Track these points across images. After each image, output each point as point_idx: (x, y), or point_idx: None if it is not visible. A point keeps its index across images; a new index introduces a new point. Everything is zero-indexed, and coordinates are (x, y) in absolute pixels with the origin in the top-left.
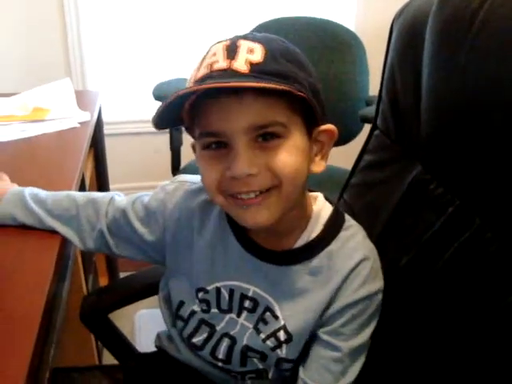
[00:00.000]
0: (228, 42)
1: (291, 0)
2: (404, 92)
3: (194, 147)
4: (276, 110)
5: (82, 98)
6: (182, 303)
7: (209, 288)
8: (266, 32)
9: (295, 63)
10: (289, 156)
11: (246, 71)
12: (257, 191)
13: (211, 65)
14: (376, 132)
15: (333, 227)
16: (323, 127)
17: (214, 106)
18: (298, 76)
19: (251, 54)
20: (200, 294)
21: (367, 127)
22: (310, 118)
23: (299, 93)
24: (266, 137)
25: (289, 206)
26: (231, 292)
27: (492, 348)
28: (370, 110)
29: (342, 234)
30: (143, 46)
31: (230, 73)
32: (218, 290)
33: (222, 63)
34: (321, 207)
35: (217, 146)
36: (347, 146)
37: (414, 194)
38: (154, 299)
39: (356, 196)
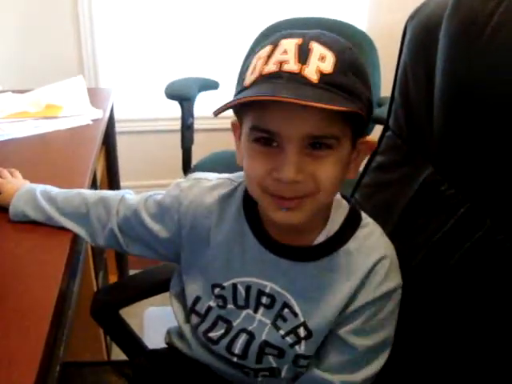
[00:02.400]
0: (300, 41)
1: (302, 0)
2: (416, 93)
3: (234, 126)
4: (334, 123)
5: (95, 96)
6: (198, 299)
7: (225, 284)
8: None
9: (360, 77)
10: (333, 168)
11: (316, 81)
12: (297, 196)
13: (281, 63)
14: (388, 133)
15: (350, 225)
16: (367, 139)
17: (277, 105)
18: (360, 92)
19: (322, 61)
20: (216, 290)
21: (378, 128)
22: (358, 129)
23: (361, 112)
24: (317, 146)
25: (320, 210)
26: (248, 288)
27: (503, 347)
28: (381, 111)
29: (360, 232)
30: (156, 45)
31: (300, 79)
32: (234, 286)
33: (292, 66)
34: (338, 205)
35: (266, 141)
36: None
37: (425, 195)
38: (163, 297)
39: (367, 196)
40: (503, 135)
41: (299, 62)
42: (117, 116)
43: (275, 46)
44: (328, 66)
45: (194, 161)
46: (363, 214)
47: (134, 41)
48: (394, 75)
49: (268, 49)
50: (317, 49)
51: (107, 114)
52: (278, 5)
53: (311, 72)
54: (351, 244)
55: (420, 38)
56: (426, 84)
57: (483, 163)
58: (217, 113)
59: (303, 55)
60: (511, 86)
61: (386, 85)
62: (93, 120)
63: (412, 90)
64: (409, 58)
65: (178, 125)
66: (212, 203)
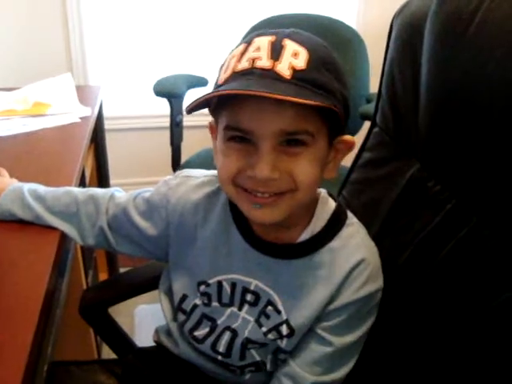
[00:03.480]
0: (273, 39)
1: None
2: (403, 90)
3: (211, 127)
4: (308, 119)
5: (84, 93)
6: (185, 296)
7: (210, 281)
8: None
9: (334, 73)
10: (309, 165)
11: (289, 77)
12: (272, 192)
13: (254, 60)
14: (375, 129)
15: (335, 223)
16: (345, 138)
17: (249, 103)
18: (335, 88)
19: (295, 57)
20: (201, 288)
21: (367, 124)
22: (334, 126)
23: (335, 108)
24: (292, 142)
25: (298, 208)
26: (233, 285)
27: (488, 344)
28: (370, 107)
29: (345, 231)
30: (144, 42)
31: (272, 74)
32: (219, 283)
33: (265, 62)
34: (324, 203)
35: (241, 139)
36: None
37: (411, 192)
38: (153, 294)
39: (354, 193)
40: (488, 132)
41: (272, 58)
42: (106, 113)
43: (248, 44)
44: (301, 61)
45: (184, 158)
46: (349, 214)
47: (123, 38)
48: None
49: (241, 47)
50: (290, 45)
51: (96, 112)
52: (267, 1)
53: (284, 68)
54: (335, 242)
55: (406, 34)
56: (412, 81)
57: (469, 159)
58: (188, 109)
59: (276, 52)
60: (496, 82)
61: (375, 81)
62: (81, 118)
63: (398, 86)
64: (395, 55)
65: (167, 122)
66: (199, 201)
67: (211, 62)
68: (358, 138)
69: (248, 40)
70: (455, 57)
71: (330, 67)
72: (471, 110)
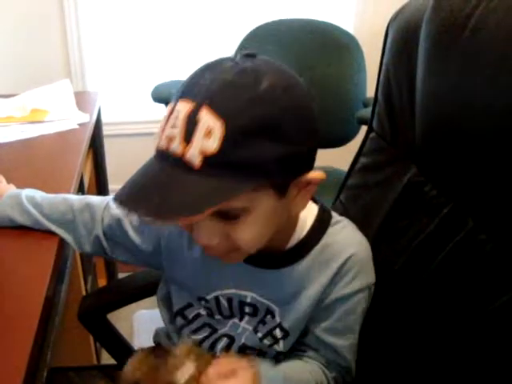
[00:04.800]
0: (190, 108)
1: (289, 2)
2: (399, 94)
3: None
4: (236, 198)
5: (82, 99)
6: (190, 305)
7: (208, 297)
8: (265, 35)
9: (265, 135)
10: (249, 229)
11: (199, 166)
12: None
13: (170, 140)
14: (372, 134)
15: (320, 225)
16: (309, 177)
17: None
18: (265, 155)
19: (208, 137)
20: (202, 302)
21: (364, 129)
22: (283, 177)
23: (257, 184)
24: (227, 215)
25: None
26: (229, 300)
27: (486, 348)
28: (367, 112)
29: (331, 230)
30: (142, 48)
31: (183, 165)
32: (216, 298)
33: (177, 146)
34: (307, 208)
35: None
36: (344, 148)
37: (408, 196)
38: (152, 300)
39: (352, 198)
40: (484, 137)
41: (184, 140)
42: (104, 119)
43: (173, 107)
44: (214, 143)
45: None
46: (333, 213)
47: (121, 44)
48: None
49: (169, 108)
50: (204, 120)
51: (94, 118)
52: (264, 7)
53: (194, 155)
54: (323, 242)
55: (401, 39)
56: (407, 85)
57: (465, 164)
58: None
59: (189, 131)
60: (491, 86)
61: (372, 86)
62: (79, 124)
63: (394, 91)
64: (391, 60)
65: None
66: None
67: None
68: (356, 142)
69: (176, 97)
70: (450, 61)
71: (258, 131)
72: (467, 114)
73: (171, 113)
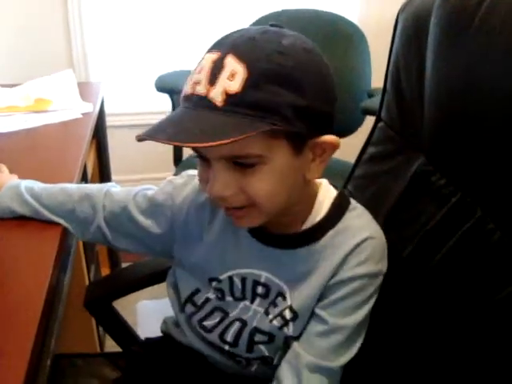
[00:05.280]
0: (217, 56)
1: None
2: (408, 84)
3: None
4: (252, 142)
5: (85, 90)
6: (197, 290)
7: (221, 277)
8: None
9: (284, 84)
10: (265, 182)
11: (221, 104)
12: (232, 207)
13: (195, 85)
14: (380, 124)
15: (338, 209)
16: (324, 139)
17: None
18: (283, 102)
19: (231, 79)
20: (213, 284)
21: (369, 119)
22: (298, 135)
23: (274, 126)
24: (240, 163)
25: (277, 212)
26: (243, 280)
27: (493, 338)
28: (372, 102)
29: (348, 215)
30: (146, 38)
31: (205, 103)
32: (230, 278)
33: (202, 88)
34: (325, 191)
35: (201, 156)
36: (349, 138)
37: (416, 185)
38: (155, 289)
39: (360, 187)
40: (494, 125)
41: (209, 83)
42: (107, 110)
43: (202, 59)
44: (236, 84)
45: (185, 154)
46: (352, 200)
47: (124, 34)
48: (385, 66)
49: (199, 61)
50: (229, 64)
51: (97, 108)
52: None
53: (217, 94)
54: (339, 226)
55: (411, 28)
56: (417, 75)
57: (475, 153)
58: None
59: (214, 75)
60: (500, 75)
61: (376, 76)
62: (83, 114)
63: (403, 81)
64: (400, 50)
65: None
66: (205, 200)
67: None
68: (360, 133)
69: (206, 52)
70: (460, 50)
71: (276, 79)
72: (476, 103)
73: (200, 62)
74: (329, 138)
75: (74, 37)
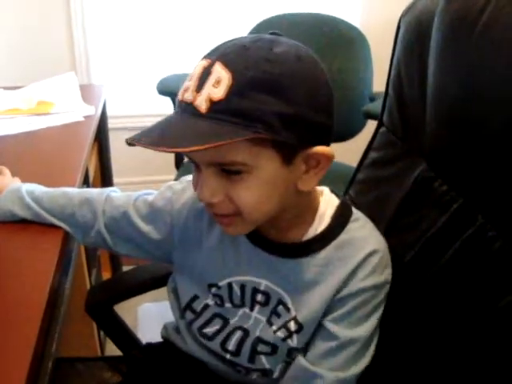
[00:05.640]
0: (207, 64)
1: None
2: (410, 89)
3: None
4: (236, 149)
5: (87, 92)
6: (196, 297)
7: (220, 284)
8: (270, 29)
9: (270, 92)
10: (250, 190)
11: (205, 111)
12: (219, 214)
13: (184, 91)
14: (382, 129)
15: (340, 219)
16: (316, 150)
17: None
18: (268, 109)
19: (216, 86)
20: (213, 290)
21: (370, 123)
22: (289, 145)
23: (258, 135)
24: (229, 171)
25: (266, 220)
26: (242, 287)
27: (493, 345)
28: (374, 106)
29: (350, 226)
30: (148, 41)
31: (191, 109)
32: (229, 285)
33: (189, 95)
34: (327, 200)
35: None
36: (350, 142)
37: (418, 192)
38: (156, 293)
39: (361, 192)
40: (496, 132)
41: (196, 89)
42: (109, 112)
43: (196, 66)
44: (220, 91)
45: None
46: (354, 209)
47: (126, 37)
48: (387, 71)
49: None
50: (216, 72)
51: (99, 111)
52: (269, 0)
53: (201, 102)
54: (342, 237)
55: (413, 33)
56: (419, 80)
57: (476, 159)
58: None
59: (201, 82)
60: (504, 80)
61: (378, 80)
62: (85, 116)
63: (405, 86)
64: (402, 54)
65: None
66: (204, 207)
67: None
68: (361, 137)
69: (201, 58)
70: (462, 56)
71: (263, 86)
72: (478, 109)
73: (192, 72)
74: (321, 149)
75: (77, 39)
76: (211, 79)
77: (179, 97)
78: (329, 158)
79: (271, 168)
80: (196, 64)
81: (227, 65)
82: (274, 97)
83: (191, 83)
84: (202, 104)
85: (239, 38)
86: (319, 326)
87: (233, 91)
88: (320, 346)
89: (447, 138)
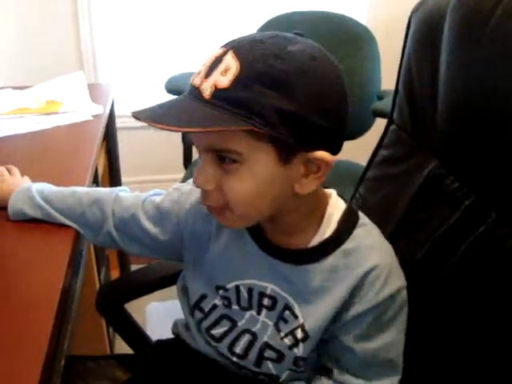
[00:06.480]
0: (221, 52)
1: None
2: (421, 86)
3: None
4: (233, 138)
5: (95, 91)
6: (204, 296)
7: (228, 286)
8: (278, 27)
9: (273, 87)
10: (241, 182)
11: (208, 96)
12: (210, 205)
13: (196, 76)
14: (392, 127)
15: (347, 225)
16: (316, 155)
17: None
18: (268, 104)
19: (224, 74)
20: (220, 292)
21: (379, 121)
22: (287, 144)
23: (255, 128)
24: (224, 159)
25: (256, 220)
26: (250, 290)
27: (508, 343)
28: (383, 104)
29: (357, 232)
30: (155, 40)
31: (196, 94)
32: (237, 288)
33: (198, 80)
34: (334, 204)
35: None
36: (359, 140)
37: (429, 189)
38: (165, 292)
39: (371, 190)
40: (508, 128)
41: (205, 75)
42: (117, 111)
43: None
44: (226, 79)
45: (195, 156)
46: (360, 214)
47: (133, 36)
48: (397, 68)
49: None
50: (226, 60)
51: (107, 110)
52: None
53: (207, 87)
54: (348, 244)
55: (424, 30)
56: (430, 76)
57: (489, 155)
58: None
59: (211, 68)
60: None
61: (386, 78)
62: (93, 115)
63: (416, 82)
64: (413, 51)
65: None
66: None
67: None
68: (370, 135)
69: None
70: (477, 49)
71: (268, 80)
72: (491, 106)
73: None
74: (320, 154)
75: (84, 39)
76: (220, 67)
77: (191, 80)
78: (328, 164)
79: (266, 163)
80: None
81: (238, 55)
82: (277, 91)
83: (203, 69)
84: (206, 89)
85: (260, 33)
86: (338, 344)
87: (238, 81)
88: (349, 363)
89: (459, 134)
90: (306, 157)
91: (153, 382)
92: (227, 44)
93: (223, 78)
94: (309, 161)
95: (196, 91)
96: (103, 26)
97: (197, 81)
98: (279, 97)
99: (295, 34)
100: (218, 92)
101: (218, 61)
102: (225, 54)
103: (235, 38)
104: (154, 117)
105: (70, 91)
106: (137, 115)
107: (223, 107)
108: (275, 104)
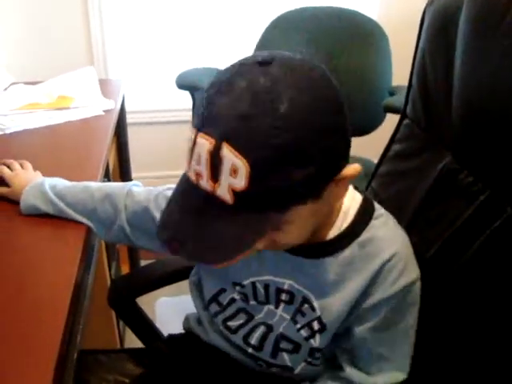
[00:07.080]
0: (211, 146)
1: None
2: (435, 80)
3: None
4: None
5: (105, 87)
6: (223, 290)
7: (244, 283)
8: (289, 22)
9: (289, 162)
10: (292, 233)
11: (231, 201)
12: None
13: (198, 176)
14: (405, 121)
15: (363, 217)
16: (342, 175)
17: None
18: (292, 181)
19: (234, 176)
20: (237, 288)
21: (390, 117)
22: (314, 185)
23: (287, 210)
24: None
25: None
26: (266, 286)
27: None
28: (394, 100)
29: (373, 223)
30: (166, 35)
31: (215, 201)
32: (253, 284)
33: (206, 183)
34: (351, 197)
35: None
36: (369, 136)
37: (443, 184)
38: (174, 287)
39: (384, 185)
40: None
41: (212, 178)
42: (127, 107)
43: (195, 139)
44: (241, 181)
45: None
46: (376, 205)
47: (144, 31)
48: (408, 64)
49: (192, 138)
50: (228, 159)
51: (118, 105)
52: None
53: (224, 192)
54: (365, 235)
55: (439, 23)
56: (444, 71)
57: (503, 150)
58: None
59: (215, 170)
60: None
61: (397, 73)
62: (105, 110)
63: (430, 77)
64: (427, 45)
65: (189, 115)
66: None
67: (234, 54)
68: (381, 131)
69: (195, 125)
70: (491, 47)
71: (281, 160)
72: (505, 100)
73: (194, 145)
74: (345, 173)
75: (94, 34)
76: (226, 168)
77: (192, 178)
78: (353, 176)
79: (307, 211)
80: (194, 137)
81: (237, 148)
82: (296, 165)
83: (203, 169)
84: (225, 195)
85: (234, 98)
86: (354, 335)
87: (253, 177)
88: (365, 356)
89: (474, 128)
90: (335, 181)
91: (168, 377)
92: (207, 128)
93: (237, 181)
94: (337, 182)
95: (213, 199)
96: (113, 22)
97: (205, 185)
98: (298, 168)
99: (260, 63)
100: (238, 195)
101: (216, 160)
102: (218, 148)
103: (206, 105)
104: (189, 253)
105: (81, 86)
106: (161, 236)
107: (251, 206)
108: (298, 178)
